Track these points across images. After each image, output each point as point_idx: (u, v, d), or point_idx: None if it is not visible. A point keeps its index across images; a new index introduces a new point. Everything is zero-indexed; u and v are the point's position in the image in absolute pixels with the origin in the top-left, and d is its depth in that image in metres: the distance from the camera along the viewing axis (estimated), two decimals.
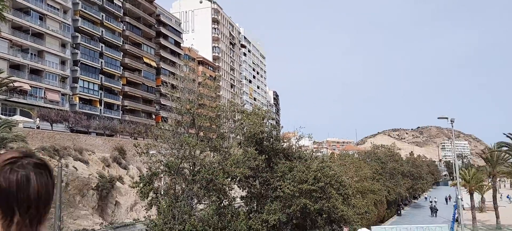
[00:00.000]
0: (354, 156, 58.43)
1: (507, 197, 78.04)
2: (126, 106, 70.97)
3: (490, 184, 53.09)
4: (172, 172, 20.11)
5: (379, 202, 43.72)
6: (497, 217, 45.64)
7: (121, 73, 70.25)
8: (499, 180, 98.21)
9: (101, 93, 65.49)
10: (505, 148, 44.20)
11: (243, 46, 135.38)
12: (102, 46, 65.89)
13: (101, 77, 65.68)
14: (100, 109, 64.97)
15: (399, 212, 57.59)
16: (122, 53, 70.96)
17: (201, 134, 22.80)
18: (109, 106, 67.84)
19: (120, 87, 69.59)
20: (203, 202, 21.25)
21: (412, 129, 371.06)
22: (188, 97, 22.75)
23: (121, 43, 70.74)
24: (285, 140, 26.06)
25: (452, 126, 34.16)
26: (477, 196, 59.44)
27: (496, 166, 48.67)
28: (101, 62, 65.69)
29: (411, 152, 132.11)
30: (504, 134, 43.11)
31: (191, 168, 21.07)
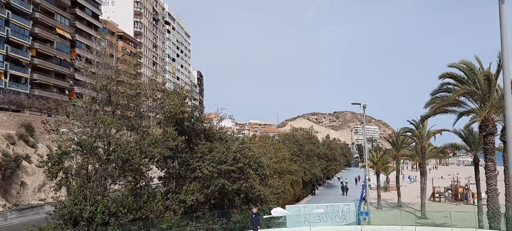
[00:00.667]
0: (274, 138, 60.15)
1: (408, 177, 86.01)
2: (36, 80, 65.69)
3: (394, 165, 57.96)
4: (85, 151, 19.12)
5: (295, 182, 45.61)
6: (399, 195, 50.13)
7: (30, 43, 64.64)
8: (402, 162, 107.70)
9: (6, 65, 59.83)
10: (408, 133, 48.28)
11: (167, 23, 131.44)
12: (8, 13, 59.95)
13: (7, 47, 59.91)
14: (5, 82, 59.44)
15: (313, 191, 60.66)
16: (31, 22, 65.17)
17: (118, 112, 21.88)
18: (15, 79, 62.30)
19: (29, 59, 64.12)
20: (118, 183, 20.54)
21: (329, 114, 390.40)
22: (104, 73, 21.63)
23: (31, 11, 64.91)
24: (207, 121, 25.99)
25: (364, 112, 36.49)
26: (383, 177, 64.65)
27: (400, 149, 53.23)
28: (7, 30, 59.84)
29: (328, 135, 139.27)
30: (408, 120, 47.09)
31: (106, 147, 20.19)
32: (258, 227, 17.02)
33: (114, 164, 19.35)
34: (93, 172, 19.81)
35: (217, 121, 25.48)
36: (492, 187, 25.71)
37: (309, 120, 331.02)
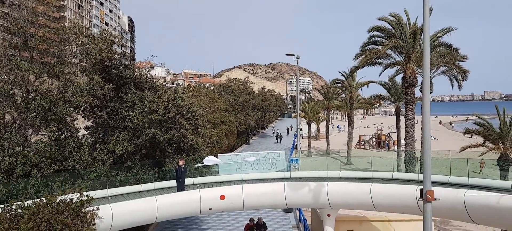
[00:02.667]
0: (209, 88, 59.67)
1: (338, 127, 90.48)
2: None
3: (325, 116, 60.43)
4: (0, 99, 17.59)
5: (230, 132, 46.04)
6: (328, 144, 52.73)
7: None
8: (333, 112, 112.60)
9: None
10: (338, 84, 50.16)
11: None
12: None
13: None
14: None
15: (248, 141, 61.83)
16: None
17: (37, 57, 20.18)
18: None
19: None
20: (40, 133, 19.30)
21: (265, 65, 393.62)
22: (20, 14, 19.65)
23: None
24: (137, 70, 24.88)
25: (297, 62, 37.04)
26: (314, 126, 67.32)
27: (331, 100, 55.42)
28: None
29: (263, 86, 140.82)
30: (339, 72, 48.83)
31: (24, 95, 18.71)
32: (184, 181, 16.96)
33: (34, 113, 18.05)
34: (11, 121, 18.40)
35: (148, 69, 24.50)
36: (410, 135, 27.76)
37: (245, 71, 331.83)
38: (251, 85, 77.02)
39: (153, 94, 21.95)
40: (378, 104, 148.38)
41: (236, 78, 72.91)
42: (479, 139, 26.62)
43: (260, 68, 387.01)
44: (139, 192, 17.83)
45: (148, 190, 18.02)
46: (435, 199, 9.84)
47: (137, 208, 15.57)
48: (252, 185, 17.58)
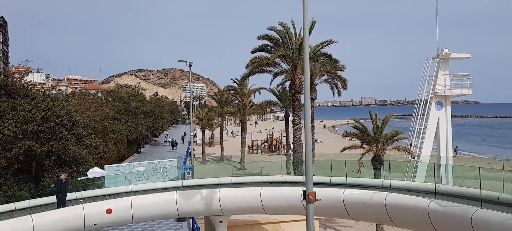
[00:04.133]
0: (96, 95, 56.09)
1: (231, 132, 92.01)
2: None
3: (219, 122, 60.98)
4: None
5: (119, 141, 43.81)
6: (222, 149, 53.27)
7: None
8: (227, 118, 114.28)
9: None
10: (232, 91, 51.09)
11: None
12: None
13: None
14: None
15: (139, 150, 59.49)
16: None
17: None
18: None
19: None
20: None
21: (158, 71, 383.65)
22: None
23: None
24: (10, 75, 22.30)
25: (190, 69, 36.81)
26: (208, 133, 67.50)
27: (225, 106, 56.17)
28: None
29: (156, 92, 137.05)
30: (231, 79, 49.69)
31: None
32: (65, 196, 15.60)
33: None
34: None
35: (22, 75, 22.14)
36: (297, 139, 29.37)
37: (137, 77, 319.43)
38: (143, 91, 74.36)
39: (28, 103, 19.89)
40: (270, 110, 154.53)
41: (126, 84, 69.78)
42: (357, 141, 29.26)
43: (153, 74, 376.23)
44: (12, 211, 15.95)
45: (23, 208, 16.21)
46: (317, 199, 10.50)
47: (9, 229, 13.90)
48: (141, 196, 16.91)
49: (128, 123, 50.36)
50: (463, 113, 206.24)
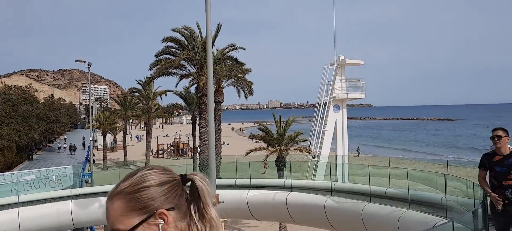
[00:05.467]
0: None
1: (136, 136, 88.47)
2: None
3: (122, 126, 58.25)
4: None
5: (7, 148, 39.64)
6: (125, 154, 50.92)
7: None
8: (131, 122, 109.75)
9: None
10: (136, 93, 49.13)
11: None
12: None
13: None
14: None
15: (31, 157, 54.42)
16: None
17: None
18: None
19: None
20: None
21: (54, 71, 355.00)
22: None
23: None
24: None
25: (89, 69, 34.68)
26: (110, 137, 64.10)
27: (128, 109, 53.82)
28: None
29: (51, 94, 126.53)
30: (136, 80, 47.76)
31: None
32: None
33: None
34: None
35: None
36: (204, 142, 29.21)
37: (29, 77, 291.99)
38: (36, 93, 68.16)
39: None
40: (177, 113, 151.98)
41: (15, 86, 63.34)
42: (263, 143, 30.06)
43: (48, 75, 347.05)
44: None
45: None
46: (220, 202, 10.53)
47: None
48: (31, 207, 15.44)
49: (18, 127, 45.72)
50: (358, 116, 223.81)
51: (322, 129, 26.69)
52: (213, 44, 29.14)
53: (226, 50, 29.80)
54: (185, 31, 28.69)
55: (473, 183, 6.22)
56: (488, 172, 6.03)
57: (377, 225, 11.25)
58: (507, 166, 5.72)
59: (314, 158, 26.10)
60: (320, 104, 27.03)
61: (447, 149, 70.57)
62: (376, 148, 70.47)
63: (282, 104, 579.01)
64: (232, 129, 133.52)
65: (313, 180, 21.75)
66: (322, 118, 26.72)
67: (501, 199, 5.66)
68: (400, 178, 13.35)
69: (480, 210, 5.52)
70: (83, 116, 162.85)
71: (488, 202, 5.81)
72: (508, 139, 5.93)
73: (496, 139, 5.82)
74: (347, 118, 28.53)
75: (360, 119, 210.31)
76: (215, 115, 32.34)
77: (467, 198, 8.02)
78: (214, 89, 31.77)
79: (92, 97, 40.74)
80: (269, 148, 27.34)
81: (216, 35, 28.68)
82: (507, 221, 5.76)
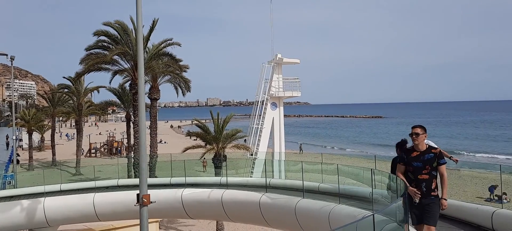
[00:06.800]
0: None
1: (66, 135, 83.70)
2: None
3: (50, 124, 54.85)
4: None
5: None
6: (54, 154, 47.99)
7: None
8: (61, 120, 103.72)
9: None
10: (66, 90, 46.46)
11: None
12: None
13: None
14: None
15: None
16: None
17: None
18: None
19: None
20: None
21: None
22: None
23: None
24: None
25: (12, 64, 32.24)
26: (37, 136, 60.14)
27: (57, 107, 50.75)
28: None
29: None
30: (64, 77, 45.12)
31: None
32: None
33: None
34: None
35: None
36: (138, 140, 28.27)
37: None
38: None
39: None
40: (111, 110, 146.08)
41: None
42: (200, 141, 29.69)
43: None
44: None
45: None
46: (152, 202, 10.17)
47: None
48: None
49: None
50: (295, 113, 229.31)
51: (259, 126, 26.92)
52: (148, 40, 28.27)
53: (162, 46, 29.01)
54: (118, 26, 27.52)
55: (397, 177, 6.52)
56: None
57: (309, 220, 11.52)
58: (422, 162, 6.10)
59: (252, 155, 26.27)
60: (258, 102, 27.24)
61: (375, 145, 74.58)
62: (312, 146, 72.61)
63: (222, 102, 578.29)
64: (171, 126, 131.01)
65: (250, 177, 21.88)
66: (260, 115, 26.96)
67: (419, 193, 6.01)
68: (332, 174, 13.78)
69: (401, 202, 5.79)
70: (7, 113, 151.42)
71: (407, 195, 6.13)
72: (425, 136, 6.31)
73: (414, 136, 6.18)
74: (284, 115, 29.02)
75: (297, 116, 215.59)
76: (151, 112, 31.57)
77: (391, 191, 8.43)
78: (149, 86, 30.94)
79: (16, 94, 37.71)
80: (207, 145, 27.08)
81: (151, 30, 27.85)
82: (420, 213, 6.13)
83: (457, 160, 9.34)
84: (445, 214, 9.61)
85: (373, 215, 4.38)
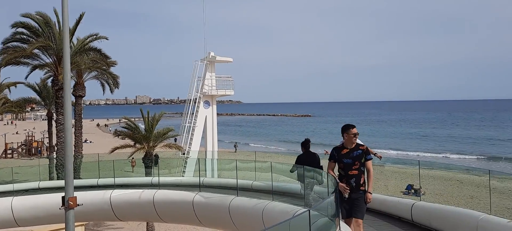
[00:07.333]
0: None
1: None
2: None
3: None
4: None
5: None
6: None
7: None
8: None
9: None
10: None
11: None
12: None
13: None
14: None
15: None
16: None
17: None
18: None
19: None
20: None
21: None
22: None
23: None
24: None
25: None
26: None
27: None
28: None
29: None
30: None
31: None
32: None
33: None
34: None
35: None
36: (61, 140, 26.60)
37: None
38: None
39: None
40: (30, 108, 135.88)
41: None
42: (129, 140, 28.64)
43: None
44: None
45: None
46: (79, 204, 9.63)
47: None
48: None
49: None
50: (228, 112, 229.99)
51: (192, 125, 26.60)
52: (73, 34, 26.76)
53: (88, 40, 27.62)
54: (39, 17, 25.68)
55: (328, 173, 6.81)
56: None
57: (243, 217, 11.62)
58: (352, 158, 6.47)
59: (184, 154, 25.90)
60: (190, 100, 26.91)
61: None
62: (246, 145, 73.29)
63: (152, 100, 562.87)
64: (97, 125, 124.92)
65: (182, 176, 21.55)
66: (192, 113, 26.65)
67: (348, 188, 6.36)
68: (265, 171, 14.02)
69: (332, 198, 6.05)
70: None
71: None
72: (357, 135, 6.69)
73: (354, 137, 6.52)
74: (217, 114, 28.97)
75: (230, 115, 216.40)
76: (76, 110, 29.92)
77: (322, 188, 8.77)
78: (74, 82, 29.27)
79: None
80: (137, 145, 26.21)
81: (77, 24, 26.44)
82: (350, 207, 6.49)
83: (381, 156, 10.03)
84: (370, 207, 10.20)
85: (309, 211, 4.53)
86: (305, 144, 10.03)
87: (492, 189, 8.71)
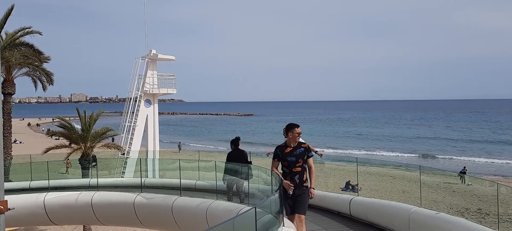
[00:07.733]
0: None
1: None
2: None
3: None
4: None
5: None
6: None
7: None
8: None
9: None
10: None
11: None
12: None
13: None
14: None
15: None
16: None
17: None
18: None
19: None
20: None
21: None
22: None
23: None
24: None
25: None
26: None
27: None
28: None
29: None
30: None
31: None
32: None
33: None
34: None
35: None
36: None
37: None
38: None
39: None
40: None
41: None
42: (64, 140, 27.22)
43: None
44: None
45: None
46: (9, 209, 9.03)
47: None
48: None
49: None
50: (170, 111, 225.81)
51: (132, 124, 25.86)
52: (2, 27, 25.08)
53: (19, 34, 25.93)
54: None
55: (272, 171, 6.96)
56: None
57: (187, 217, 11.51)
58: (295, 156, 6.69)
59: (124, 154, 25.12)
60: (131, 98, 26.14)
61: (244, 143, 77.68)
62: (188, 145, 72.39)
63: (88, 98, 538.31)
64: (29, 124, 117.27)
65: (122, 177, 20.89)
66: (133, 112, 25.90)
67: (292, 185, 6.57)
68: (209, 170, 13.98)
69: (276, 195, 6.19)
70: None
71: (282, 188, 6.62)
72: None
73: (297, 136, 6.73)
74: (159, 113, 28.40)
75: (171, 113, 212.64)
76: (4, 109, 27.94)
77: (266, 185, 8.93)
78: (3, 79, 27.32)
79: None
80: (72, 145, 24.99)
81: (6, 16, 24.86)
82: (294, 203, 6.71)
83: (321, 154, 10.41)
84: (311, 203, 10.55)
85: (255, 208, 4.61)
86: (235, 142, 10.81)
87: (422, 184, 9.35)
